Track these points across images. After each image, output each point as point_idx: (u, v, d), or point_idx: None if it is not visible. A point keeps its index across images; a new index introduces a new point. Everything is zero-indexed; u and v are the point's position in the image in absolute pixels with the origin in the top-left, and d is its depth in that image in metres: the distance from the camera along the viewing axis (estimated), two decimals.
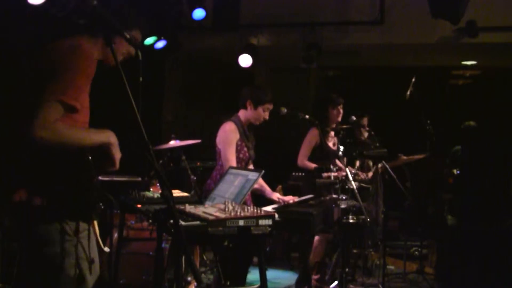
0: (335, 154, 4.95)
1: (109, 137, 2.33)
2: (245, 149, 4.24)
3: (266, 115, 4.29)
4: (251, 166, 4.38)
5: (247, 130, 4.34)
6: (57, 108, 2.17)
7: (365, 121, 6.13)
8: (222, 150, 4.18)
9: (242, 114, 4.30)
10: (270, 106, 4.29)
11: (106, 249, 2.54)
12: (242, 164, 4.22)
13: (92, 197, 2.28)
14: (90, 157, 2.27)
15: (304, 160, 5.14)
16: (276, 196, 4.19)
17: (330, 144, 5.21)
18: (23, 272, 2.35)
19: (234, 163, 4.10)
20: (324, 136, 4.95)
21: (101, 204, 2.33)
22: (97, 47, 2.43)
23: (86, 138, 2.27)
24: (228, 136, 4.18)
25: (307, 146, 5.15)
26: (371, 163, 6.05)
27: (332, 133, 5.25)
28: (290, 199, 4.14)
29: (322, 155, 4.94)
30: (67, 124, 2.22)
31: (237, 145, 4.19)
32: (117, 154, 2.35)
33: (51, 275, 2.27)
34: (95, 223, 2.39)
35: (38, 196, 2.25)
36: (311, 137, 5.13)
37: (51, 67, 2.24)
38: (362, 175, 5.52)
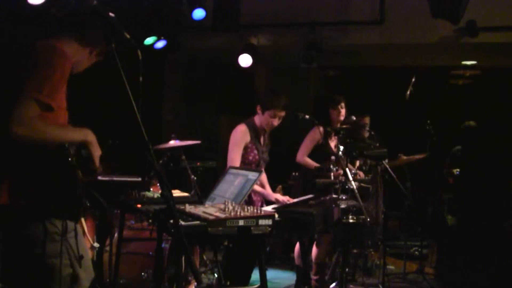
0: (336, 155, 4.95)
1: (87, 135, 2.34)
2: (255, 151, 4.27)
3: (275, 122, 4.27)
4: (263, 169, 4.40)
5: (262, 134, 4.37)
6: (33, 105, 2.18)
7: (366, 120, 6.10)
8: (229, 149, 4.23)
9: (256, 118, 4.35)
10: (280, 113, 4.26)
11: (96, 244, 2.54)
12: (251, 166, 4.25)
13: (77, 195, 2.28)
14: (73, 157, 2.26)
15: (304, 156, 5.12)
16: (273, 197, 4.18)
17: (332, 145, 5.20)
18: (16, 274, 2.34)
19: (237, 164, 4.12)
20: (326, 136, 4.95)
21: (87, 202, 2.32)
22: (72, 50, 2.43)
23: (63, 136, 2.27)
24: (236, 137, 4.23)
25: (308, 143, 5.14)
26: (372, 163, 6.04)
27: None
28: (286, 199, 4.13)
29: (323, 155, 4.93)
30: (45, 122, 2.23)
31: (247, 147, 4.23)
32: (96, 152, 2.36)
33: (44, 276, 2.27)
34: (82, 220, 2.40)
35: (20, 197, 2.24)
36: (314, 134, 5.12)
37: (28, 66, 2.27)
38: (362, 175, 5.51)
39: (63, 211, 2.27)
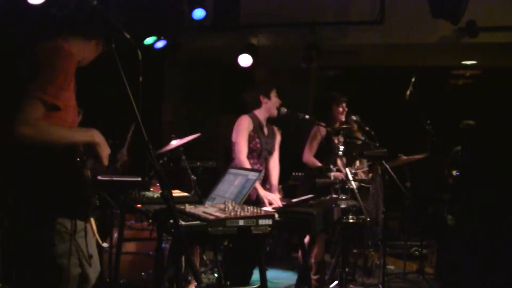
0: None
1: (94, 136, 2.33)
2: (257, 140, 4.36)
3: (278, 99, 4.49)
4: (273, 160, 4.51)
5: (265, 125, 4.48)
6: (38, 106, 2.19)
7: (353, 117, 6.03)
8: (234, 137, 4.34)
9: (257, 112, 4.48)
10: (275, 91, 4.51)
11: (105, 244, 2.54)
12: (253, 154, 4.36)
13: (86, 195, 2.28)
14: (81, 156, 2.27)
15: (310, 156, 5.11)
16: (265, 197, 4.09)
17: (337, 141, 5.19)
18: (24, 275, 2.34)
19: (244, 151, 4.25)
20: (330, 134, 4.95)
21: (96, 201, 2.33)
22: (78, 47, 2.44)
23: (69, 137, 2.28)
24: (240, 125, 4.35)
25: (312, 142, 5.13)
26: (365, 166, 6.03)
27: None
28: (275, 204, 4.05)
29: (326, 153, 4.93)
30: (52, 123, 2.23)
31: (249, 136, 4.34)
32: (104, 152, 2.36)
33: (54, 276, 2.27)
34: (92, 219, 2.40)
35: (29, 198, 2.24)
36: (316, 133, 5.11)
37: (33, 66, 2.27)
38: (362, 175, 5.50)
39: (72, 211, 2.28)
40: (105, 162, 2.37)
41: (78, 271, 2.31)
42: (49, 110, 2.21)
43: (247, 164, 4.21)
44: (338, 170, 4.83)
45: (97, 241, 2.46)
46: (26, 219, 2.26)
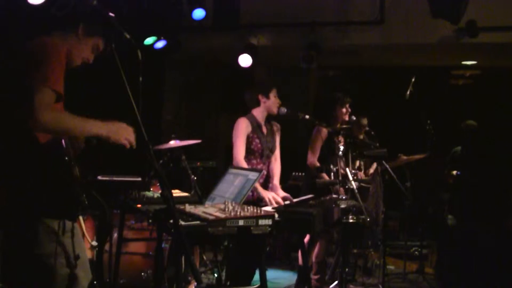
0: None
1: (109, 131, 2.33)
2: (257, 140, 4.37)
3: (278, 99, 4.48)
4: (275, 158, 4.51)
5: (263, 125, 4.48)
6: (50, 93, 2.20)
7: (364, 121, 6.11)
8: (233, 140, 4.35)
9: (256, 111, 4.47)
10: (275, 91, 4.50)
11: (94, 243, 2.55)
12: (256, 155, 4.37)
13: (74, 195, 2.28)
14: (69, 155, 2.27)
15: (315, 159, 5.08)
16: (265, 196, 4.11)
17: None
18: (14, 274, 2.34)
19: (242, 154, 4.25)
20: (332, 135, 4.93)
21: (85, 201, 2.32)
22: (68, 45, 2.44)
23: (88, 127, 2.28)
24: (237, 128, 4.36)
25: (316, 145, 5.10)
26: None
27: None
28: (275, 201, 4.07)
29: (328, 154, 4.92)
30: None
31: (249, 137, 4.36)
32: (123, 139, 2.35)
33: (43, 276, 2.28)
34: (80, 219, 2.41)
35: (18, 198, 2.24)
36: (319, 134, 5.09)
37: (32, 60, 2.27)
38: (362, 175, 5.50)
39: (60, 211, 2.27)
40: (133, 142, 2.36)
41: (66, 271, 2.31)
42: (55, 100, 2.21)
43: (244, 166, 4.22)
44: (339, 170, 4.83)
45: (85, 240, 2.46)
46: (15, 219, 2.26)
